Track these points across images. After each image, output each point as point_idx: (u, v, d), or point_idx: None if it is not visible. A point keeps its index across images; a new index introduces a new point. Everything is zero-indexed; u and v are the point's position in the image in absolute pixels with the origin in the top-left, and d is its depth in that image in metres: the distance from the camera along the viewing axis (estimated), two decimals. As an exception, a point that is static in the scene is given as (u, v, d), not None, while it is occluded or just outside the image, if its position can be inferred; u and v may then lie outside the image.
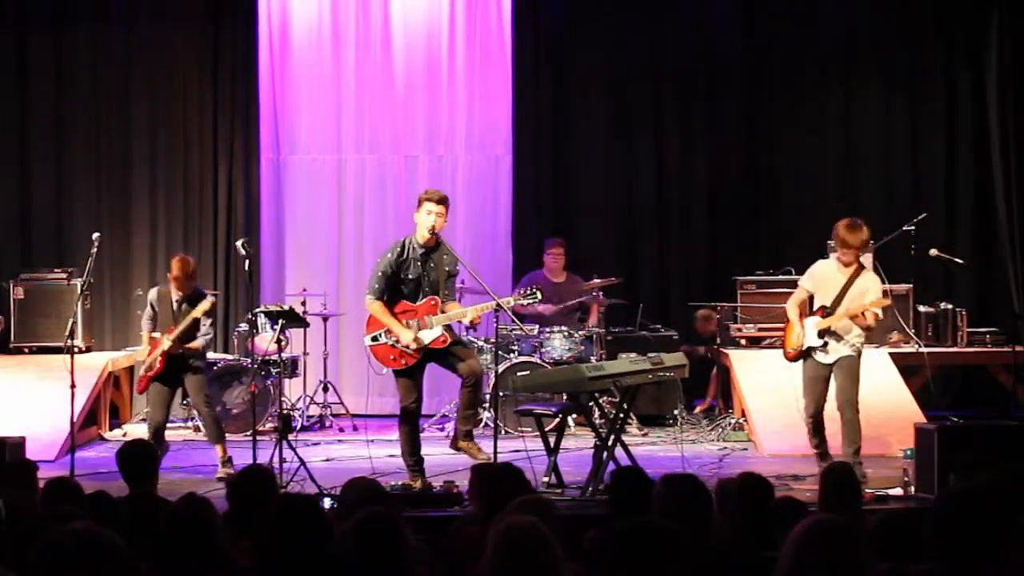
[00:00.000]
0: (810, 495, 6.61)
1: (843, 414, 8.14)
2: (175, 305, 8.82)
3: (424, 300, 7.76)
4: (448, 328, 7.80)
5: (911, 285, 10.94)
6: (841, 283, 8.23)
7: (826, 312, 8.18)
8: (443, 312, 7.75)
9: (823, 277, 8.36)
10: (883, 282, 9.97)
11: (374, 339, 7.82)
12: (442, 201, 7.80)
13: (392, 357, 7.77)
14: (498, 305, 7.77)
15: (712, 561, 4.22)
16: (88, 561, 3.17)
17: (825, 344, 8.16)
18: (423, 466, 7.87)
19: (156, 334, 8.82)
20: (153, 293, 9.03)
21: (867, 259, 10.60)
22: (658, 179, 12.44)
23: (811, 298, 8.37)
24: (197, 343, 8.74)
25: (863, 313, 8.09)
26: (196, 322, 8.73)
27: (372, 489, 4.80)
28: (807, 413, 8.28)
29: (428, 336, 7.70)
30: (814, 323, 8.21)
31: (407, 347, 7.68)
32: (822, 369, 8.22)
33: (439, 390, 11.14)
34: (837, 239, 8.27)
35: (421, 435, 8.09)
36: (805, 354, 8.25)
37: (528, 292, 7.99)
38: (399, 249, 7.82)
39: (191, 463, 9.16)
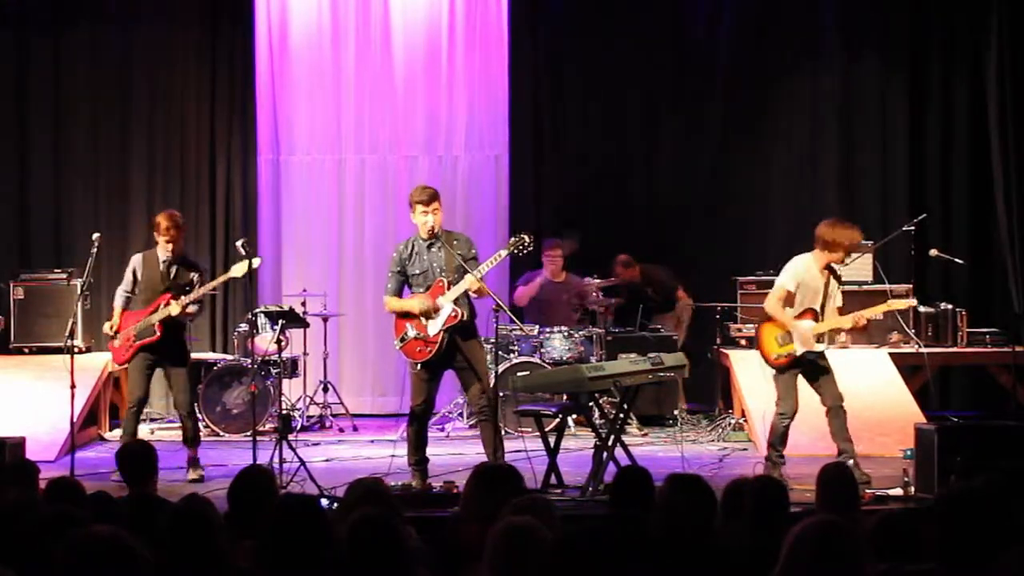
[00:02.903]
0: (810, 495, 6.61)
1: (838, 415, 8.07)
2: (164, 268, 8.66)
3: (434, 283, 7.79)
4: (470, 318, 7.81)
5: (911, 285, 10.95)
6: (822, 285, 8.08)
7: (817, 316, 8.03)
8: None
9: (807, 280, 8.10)
10: (884, 282, 10.04)
11: (402, 339, 7.85)
12: (432, 199, 7.82)
13: (418, 349, 7.79)
14: (499, 306, 7.76)
15: (714, 562, 4.23)
16: (113, 566, 3.18)
17: (824, 348, 8.10)
18: (425, 467, 7.88)
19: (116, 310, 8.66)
20: (137, 259, 8.83)
21: (866, 259, 10.66)
22: (657, 178, 12.45)
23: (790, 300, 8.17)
24: (191, 309, 8.65)
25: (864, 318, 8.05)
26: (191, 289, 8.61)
27: (372, 490, 4.80)
28: (788, 415, 8.04)
29: (440, 317, 7.72)
30: (809, 328, 8.00)
31: (425, 312, 7.68)
32: (798, 371, 8.11)
33: (438, 389, 11.10)
34: (832, 242, 7.97)
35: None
36: (794, 361, 8.05)
37: (517, 239, 7.81)
38: (402, 247, 7.92)
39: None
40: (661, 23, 12.41)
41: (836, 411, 8.08)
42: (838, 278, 8.26)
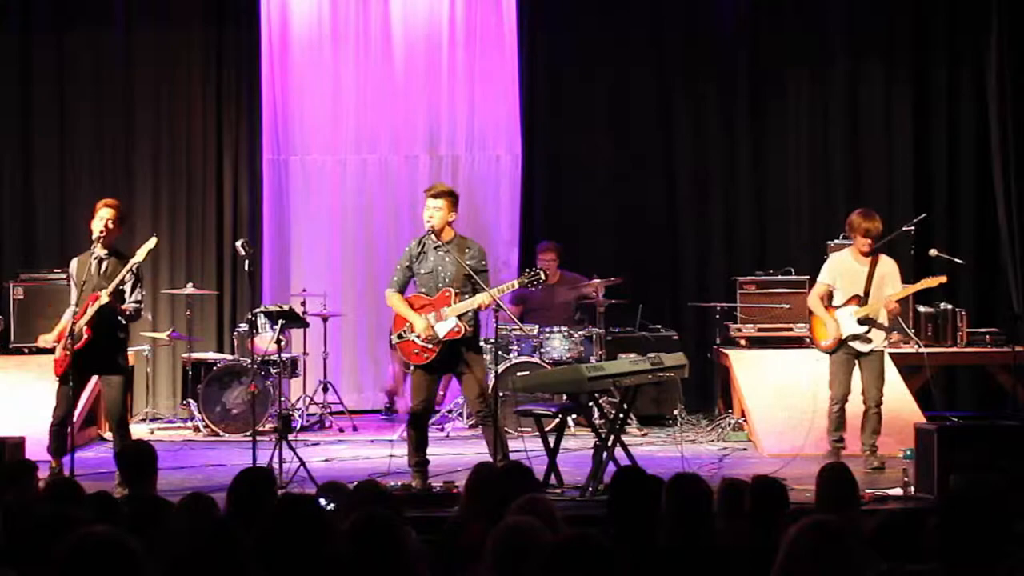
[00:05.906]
0: (810, 495, 6.61)
1: (869, 409, 8.59)
2: (94, 264, 8.03)
3: (439, 293, 7.78)
4: (475, 331, 7.83)
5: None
6: (864, 272, 8.60)
7: (861, 301, 8.55)
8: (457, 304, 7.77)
9: (844, 271, 8.69)
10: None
11: (400, 336, 7.87)
12: (439, 195, 7.82)
13: (415, 352, 7.81)
14: (498, 306, 7.76)
15: (714, 562, 4.23)
16: (112, 567, 3.19)
17: (868, 331, 8.55)
18: (425, 468, 7.88)
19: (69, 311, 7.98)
20: (73, 264, 8.21)
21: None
22: (660, 179, 12.43)
23: (830, 294, 8.74)
24: (127, 306, 8.03)
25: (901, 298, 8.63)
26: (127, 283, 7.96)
27: (373, 490, 4.80)
28: (835, 399, 8.64)
29: (443, 328, 7.72)
30: (851, 312, 8.55)
31: (419, 337, 7.71)
32: (852, 358, 8.64)
33: (438, 390, 11.11)
34: (855, 229, 8.61)
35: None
36: (841, 343, 8.60)
37: (531, 273, 7.91)
38: (414, 243, 7.93)
39: (191, 463, 9.15)
40: (665, 25, 12.39)
41: (870, 409, 8.61)
42: (880, 262, 8.71)
